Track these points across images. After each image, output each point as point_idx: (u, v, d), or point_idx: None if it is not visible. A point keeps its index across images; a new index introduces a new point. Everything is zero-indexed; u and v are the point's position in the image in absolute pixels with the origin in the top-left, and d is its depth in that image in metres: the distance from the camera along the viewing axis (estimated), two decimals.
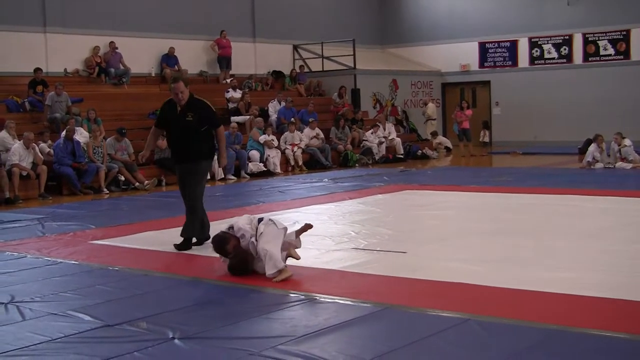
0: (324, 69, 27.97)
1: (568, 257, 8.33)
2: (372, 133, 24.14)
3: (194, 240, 9.47)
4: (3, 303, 6.98)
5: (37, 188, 16.25)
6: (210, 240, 8.44)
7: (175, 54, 24.05)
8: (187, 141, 9.38)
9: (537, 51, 28.71)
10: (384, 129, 24.54)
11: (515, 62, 29.22)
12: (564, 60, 28.18)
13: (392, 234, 10.09)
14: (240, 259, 7.69)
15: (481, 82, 30.21)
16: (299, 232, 8.17)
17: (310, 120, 22.95)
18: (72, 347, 5.65)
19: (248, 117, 22.35)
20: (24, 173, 15.96)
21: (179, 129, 9.41)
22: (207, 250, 8.82)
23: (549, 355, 5.19)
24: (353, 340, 5.70)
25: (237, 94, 23.26)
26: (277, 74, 27.16)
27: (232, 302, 6.83)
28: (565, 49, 28.12)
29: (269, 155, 20.73)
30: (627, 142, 19.03)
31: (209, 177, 10.56)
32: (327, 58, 27.92)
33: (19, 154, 16.00)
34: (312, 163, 21.90)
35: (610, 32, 27.29)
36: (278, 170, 20.74)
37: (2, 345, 5.71)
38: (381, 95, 28.51)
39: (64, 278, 8.00)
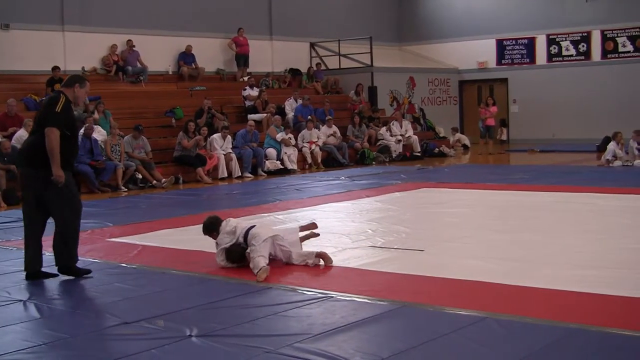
0: (341, 67, 27.93)
1: (587, 256, 8.30)
2: (386, 130, 24.10)
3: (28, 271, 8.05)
4: (22, 300, 7.02)
5: None
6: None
7: (192, 52, 24.09)
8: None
9: (555, 48, 28.57)
10: (401, 127, 24.48)
11: (533, 60, 29.09)
12: (582, 57, 28.03)
13: (409, 231, 10.07)
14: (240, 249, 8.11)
15: (499, 80, 30.08)
16: (303, 228, 8.77)
17: (328, 118, 22.94)
18: (90, 344, 5.68)
19: (265, 115, 22.37)
20: None
21: (75, 133, 8.29)
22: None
23: (568, 353, 5.17)
24: (370, 338, 5.69)
25: (255, 92, 23.27)
26: (294, 72, 27.15)
27: (249, 300, 6.83)
28: (583, 46, 27.98)
29: (285, 153, 20.72)
30: None
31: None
32: (344, 56, 27.88)
33: None
34: (329, 161, 21.89)
35: (629, 28, 27.09)
36: (295, 168, 20.72)
37: (20, 342, 5.74)
38: (398, 93, 28.45)
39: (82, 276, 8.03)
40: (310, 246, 8.64)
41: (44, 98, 19.35)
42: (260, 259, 7.77)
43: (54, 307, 6.76)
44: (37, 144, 7.73)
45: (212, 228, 8.38)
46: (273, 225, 8.66)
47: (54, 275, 7.96)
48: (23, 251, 8.11)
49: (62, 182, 7.71)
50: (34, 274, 7.95)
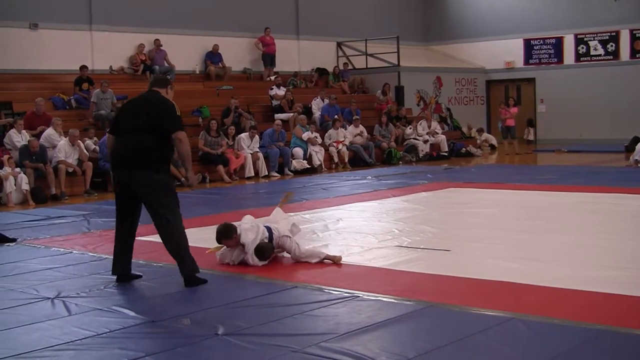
0: (368, 66, 27.94)
1: (614, 256, 8.23)
2: (410, 129, 24.07)
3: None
4: (49, 298, 7.06)
5: (82, 184, 16.42)
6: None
7: (219, 51, 24.16)
8: None
9: (583, 48, 28.39)
10: (429, 127, 24.43)
11: (560, 59, 28.93)
12: (611, 57, 27.85)
13: (435, 231, 10.05)
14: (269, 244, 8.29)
15: (526, 79, 29.96)
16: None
17: (355, 118, 22.92)
18: (116, 342, 5.70)
19: (291, 114, 22.39)
20: (70, 170, 16.14)
21: None
22: None
23: (596, 355, 5.13)
24: (396, 338, 5.68)
25: (282, 92, 23.30)
26: (321, 71, 27.16)
27: (275, 298, 6.84)
28: (611, 46, 27.79)
29: (312, 152, 20.74)
30: None
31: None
32: (371, 55, 27.88)
33: (65, 150, 16.17)
34: (356, 160, 21.88)
35: None
36: (322, 167, 20.73)
37: (48, 339, 5.78)
38: (425, 93, 28.39)
39: (109, 274, 8.05)
40: (336, 246, 8.65)
41: (72, 97, 19.52)
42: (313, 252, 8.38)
43: (81, 304, 6.80)
44: (153, 147, 7.46)
45: (230, 232, 8.24)
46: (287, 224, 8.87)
47: (138, 276, 7.78)
48: (113, 252, 7.83)
49: (195, 185, 7.76)
50: (123, 275, 7.75)
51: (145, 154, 7.42)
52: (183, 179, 8.09)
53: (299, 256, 8.27)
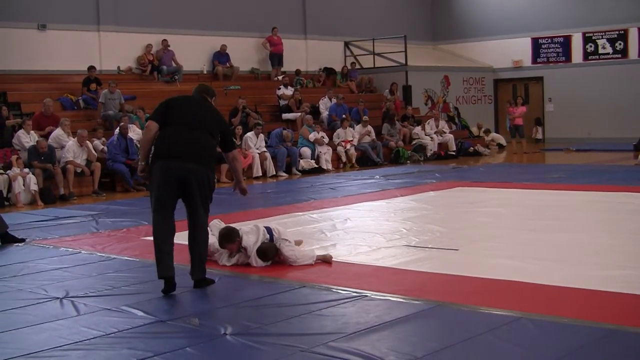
0: (375, 66, 27.91)
1: (622, 256, 8.21)
2: (421, 129, 24.06)
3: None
4: (58, 298, 7.08)
5: (91, 185, 16.44)
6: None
7: (227, 51, 24.17)
8: None
9: (591, 46, 28.31)
10: (437, 126, 24.42)
11: (568, 58, 28.84)
12: (619, 56, 27.74)
13: (443, 231, 10.03)
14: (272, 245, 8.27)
15: (534, 78, 29.87)
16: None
17: (365, 118, 22.87)
18: (125, 342, 5.71)
19: (299, 114, 22.39)
20: (78, 170, 16.16)
21: None
22: None
23: (604, 354, 5.12)
24: (404, 337, 5.68)
25: (289, 91, 23.30)
26: (329, 71, 27.16)
27: (283, 298, 6.84)
28: (620, 44, 27.70)
29: (320, 152, 20.74)
30: None
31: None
32: (379, 54, 27.85)
33: (73, 151, 16.19)
34: (364, 160, 21.87)
35: None
36: (329, 167, 20.73)
37: (57, 339, 5.79)
38: (433, 92, 28.34)
39: (117, 274, 8.08)
40: (344, 245, 8.64)
41: (80, 98, 19.53)
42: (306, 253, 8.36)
43: (89, 304, 6.81)
44: (211, 146, 7.68)
45: (233, 235, 8.30)
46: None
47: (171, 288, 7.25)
48: (155, 254, 7.38)
49: (247, 192, 8.29)
50: (171, 279, 7.24)
51: (205, 151, 7.57)
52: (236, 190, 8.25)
53: (294, 262, 8.21)
